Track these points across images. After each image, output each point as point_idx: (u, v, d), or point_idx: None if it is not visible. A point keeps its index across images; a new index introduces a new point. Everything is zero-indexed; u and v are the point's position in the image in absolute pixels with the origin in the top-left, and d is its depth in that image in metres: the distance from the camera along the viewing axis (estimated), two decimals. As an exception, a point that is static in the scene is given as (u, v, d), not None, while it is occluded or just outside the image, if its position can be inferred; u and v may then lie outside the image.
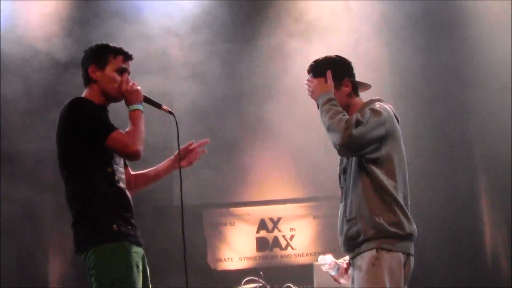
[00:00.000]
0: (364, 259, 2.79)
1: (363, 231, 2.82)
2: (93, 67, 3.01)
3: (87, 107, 2.89)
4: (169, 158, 3.26)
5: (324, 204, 7.22)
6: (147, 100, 3.08)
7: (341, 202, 3.02)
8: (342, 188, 3.05)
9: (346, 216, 2.94)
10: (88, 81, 3.03)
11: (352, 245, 2.88)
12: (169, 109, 3.11)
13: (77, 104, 2.90)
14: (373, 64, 6.36)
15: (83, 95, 3.02)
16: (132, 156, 2.86)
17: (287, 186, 7.46)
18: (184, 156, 3.23)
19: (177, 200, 7.12)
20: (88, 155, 2.85)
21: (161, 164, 3.26)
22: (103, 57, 3.01)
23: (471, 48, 6.81)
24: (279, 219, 7.51)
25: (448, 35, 6.92)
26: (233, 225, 7.57)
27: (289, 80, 6.97)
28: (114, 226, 2.78)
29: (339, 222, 3.04)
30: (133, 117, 2.93)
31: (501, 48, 6.56)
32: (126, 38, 6.07)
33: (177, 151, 3.20)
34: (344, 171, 3.02)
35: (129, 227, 2.84)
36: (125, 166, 3.11)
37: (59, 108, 2.93)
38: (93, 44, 3.09)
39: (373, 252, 2.77)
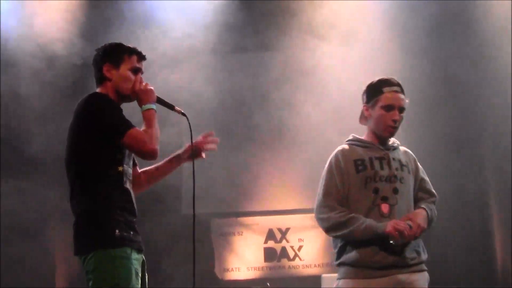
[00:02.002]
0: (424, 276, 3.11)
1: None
2: (108, 66, 2.99)
3: (106, 102, 2.87)
4: (176, 153, 3.22)
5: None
6: (160, 100, 3.06)
7: (385, 217, 3.07)
8: (390, 205, 3.10)
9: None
10: (102, 79, 3.00)
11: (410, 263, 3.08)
12: (182, 111, 3.10)
13: (96, 99, 2.88)
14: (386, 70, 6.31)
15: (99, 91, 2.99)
16: (149, 154, 2.82)
17: (296, 196, 7.42)
18: (196, 151, 3.21)
19: (185, 209, 7.17)
20: (101, 152, 2.81)
21: (167, 159, 3.22)
22: (118, 55, 3.00)
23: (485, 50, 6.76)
24: (287, 229, 7.47)
25: (459, 36, 6.86)
26: (241, 234, 7.54)
27: (299, 90, 6.97)
28: (117, 231, 2.74)
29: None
30: (147, 116, 2.91)
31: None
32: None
33: (186, 145, 3.20)
34: (396, 191, 3.11)
35: (131, 233, 2.80)
36: (134, 165, 3.08)
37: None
38: (107, 43, 3.08)
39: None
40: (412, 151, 3.33)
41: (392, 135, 3.21)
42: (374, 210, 3.08)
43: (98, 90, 3.01)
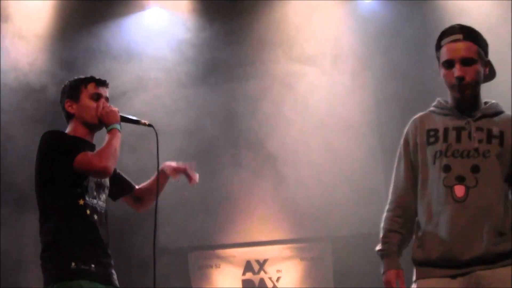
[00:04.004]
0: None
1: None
2: (69, 102, 3.07)
3: (56, 137, 2.93)
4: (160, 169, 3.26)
5: (312, 245, 7.15)
6: (125, 119, 3.12)
7: (461, 202, 2.53)
8: (466, 186, 2.54)
9: (496, 228, 2.51)
10: (68, 117, 3.08)
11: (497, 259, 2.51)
12: (147, 122, 3.15)
13: (45, 136, 2.95)
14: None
15: (65, 131, 3.05)
16: (99, 173, 2.88)
17: (273, 227, 7.40)
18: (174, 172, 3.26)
19: (163, 242, 7.11)
20: (57, 188, 2.87)
21: (153, 177, 3.28)
22: (76, 89, 3.08)
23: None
24: (265, 260, 7.43)
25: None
26: (219, 267, 7.48)
27: (279, 118, 7.03)
28: (73, 263, 2.77)
29: (464, 224, 2.54)
30: (108, 136, 2.98)
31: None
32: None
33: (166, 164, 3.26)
34: (475, 169, 2.55)
35: (92, 265, 2.82)
36: (133, 188, 3.22)
37: None
38: (67, 81, 3.16)
39: None
40: None
41: (464, 95, 2.63)
42: (445, 194, 2.56)
43: (67, 129, 3.06)
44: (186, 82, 7.08)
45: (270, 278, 7.37)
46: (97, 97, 3.07)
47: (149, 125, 3.15)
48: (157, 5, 7.24)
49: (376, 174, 6.95)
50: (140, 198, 3.28)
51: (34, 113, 6.47)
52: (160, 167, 3.24)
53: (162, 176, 3.24)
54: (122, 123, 3.07)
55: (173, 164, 3.28)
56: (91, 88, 3.07)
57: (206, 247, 7.53)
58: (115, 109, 3.06)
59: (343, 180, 6.91)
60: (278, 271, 7.36)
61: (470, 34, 2.65)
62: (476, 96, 2.68)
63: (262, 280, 7.38)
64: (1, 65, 6.43)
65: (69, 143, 2.92)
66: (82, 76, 3.14)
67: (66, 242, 2.82)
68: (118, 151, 2.97)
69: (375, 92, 7.13)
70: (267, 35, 7.09)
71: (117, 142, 2.96)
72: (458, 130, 2.62)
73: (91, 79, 3.10)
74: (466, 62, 2.60)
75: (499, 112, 2.67)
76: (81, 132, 3.03)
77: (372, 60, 7.02)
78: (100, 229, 2.94)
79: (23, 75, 6.48)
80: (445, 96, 2.76)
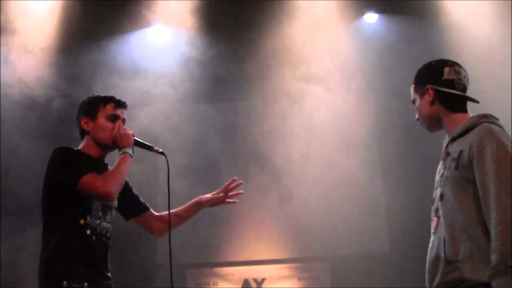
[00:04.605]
0: None
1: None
2: (85, 119, 3.06)
3: (64, 154, 2.93)
4: (196, 200, 3.35)
5: (310, 265, 7.14)
6: (139, 143, 3.12)
7: (434, 234, 2.55)
8: (437, 217, 2.55)
9: (447, 257, 2.46)
10: (82, 133, 3.08)
11: None
12: (161, 150, 3.16)
13: (55, 153, 2.94)
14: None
15: (78, 148, 3.05)
16: (102, 197, 2.88)
17: (271, 246, 7.39)
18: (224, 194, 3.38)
19: (160, 259, 7.09)
20: (62, 206, 2.87)
21: (185, 206, 3.35)
22: (94, 107, 3.07)
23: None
24: (263, 279, 7.41)
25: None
26: (217, 285, 7.45)
27: (269, 143, 7.05)
28: (65, 282, 2.76)
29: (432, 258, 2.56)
30: (118, 160, 2.98)
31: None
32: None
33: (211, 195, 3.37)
34: (441, 197, 2.52)
35: (85, 284, 2.81)
36: (144, 210, 3.24)
37: None
38: (85, 97, 3.15)
39: None
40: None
41: (427, 130, 2.74)
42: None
43: (80, 145, 3.07)
44: (190, 98, 7.12)
45: (267, 297, 7.35)
46: (114, 118, 3.06)
47: (162, 153, 3.15)
48: (161, 22, 7.29)
49: (376, 196, 6.96)
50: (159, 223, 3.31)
51: (38, 126, 6.50)
52: (195, 200, 3.34)
53: (194, 207, 3.33)
54: (135, 147, 3.08)
55: (209, 196, 3.36)
56: (109, 108, 3.07)
57: (204, 264, 7.51)
58: (130, 132, 3.06)
59: (345, 200, 6.92)
60: (276, 290, 7.34)
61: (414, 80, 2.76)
62: (439, 124, 2.69)
63: (259, 299, 7.36)
64: (6, 78, 6.46)
65: (77, 163, 2.91)
66: (102, 95, 3.13)
67: (61, 260, 2.81)
68: (125, 176, 2.97)
69: (378, 110, 7.15)
70: (272, 53, 7.14)
71: (125, 167, 2.95)
72: (444, 159, 2.60)
73: (111, 99, 3.09)
74: (414, 104, 2.74)
75: (470, 128, 2.52)
76: (94, 150, 3.03)
77: (375, 78, 7.06)
78: (97, 250, 2.93)
79: (27, 87, 6.51)
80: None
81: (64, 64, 6.88)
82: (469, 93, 2.68)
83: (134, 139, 3.08)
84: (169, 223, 3.14)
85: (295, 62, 7.11)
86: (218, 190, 3.40)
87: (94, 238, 2.92)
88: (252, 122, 7.29)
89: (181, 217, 3.33)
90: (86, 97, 3.15)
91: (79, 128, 3.10)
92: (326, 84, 6.91)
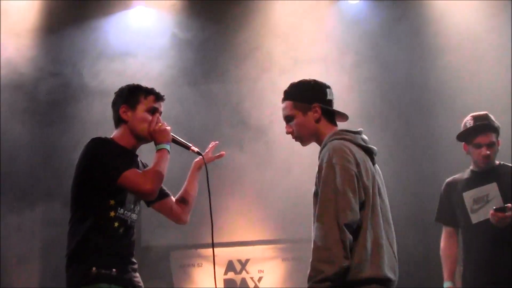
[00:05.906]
0: None
1: None
2: (124, 107, 3.05)
3: (103, 146, 2.93)
4: (192, 171, 3.42)
5: (294, 246, 7.20)
6: (176, 141, 3.14)
7: None
8: None
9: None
10: (119, 121, 3.07)
11: None
12: (197, 150, 3.20)
13: (94, 143, 2.93)
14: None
15: (112, 136, 3.05)
16: (144, 195, 2.91)
17: (256, 227, 7.45)
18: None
19: (144, 241, 7.12)
20: (94, 198, 2.89)
21: (187, 181, 3.41)
22: (134, 97, 3.06)
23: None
24: (247, 260, 7.48)
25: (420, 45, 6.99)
26: (201, 266, 7.51)
27: (257, 122, 7.05)
28: (93, 268, 2.81)
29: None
30: (157, 156, 2.98)
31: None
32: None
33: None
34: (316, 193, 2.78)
35: (114, 270, 2.86)
36: (164, 196, 3.25)
37: None
38: (125, 85, 3.13)
39: None
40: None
41: (302, 145, 3.04)
42: None
43: (114, 132, 3.07)
44: (170, 81, 7.06)
45: (251, 278, 7.42)
46: (153, 110, 3.06)
47: (198, 153, 3.20)
48: (143, 4, 7.25)
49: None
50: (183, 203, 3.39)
51: (27, 107, 6.46)
52: (191, 169, 3.42)
53: (194, 174, 3.42)
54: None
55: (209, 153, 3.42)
56: (150, 100, 3.06)
57: (188, 246, 7.56)
58: (169, 127, 3.07)
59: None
60: (260, 271, 7.41)
61: (285, 94, 2.95)
62: (317, 139, 2.93)
63: (244, 280, 7.42)
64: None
65: (117, 156, 2.91)
66: (142, 85, 3.11)
67: (89, 250, 2.86)
68: (165, 173, 2.98)
69: (365, 90, 7.16)
70: (256, 36, 7.13)
71: (165, 164, 2.96)
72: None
73: (152, 92, 3.09)
74: (288, 119, 2.93)
75: (327, 142, 2.81)
76: (128, 141, 3.03)
77: (362, 59, 7.06)
78: (125, 241, 2.98)
79: (14, 69, 6.49)
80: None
81: (50, 46, 6.84)
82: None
83: (172, 135, 3.09)
84: (212, 223, 3.37)
85: (279, 45, 7.11)
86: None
87: (121, 230, 2.96)
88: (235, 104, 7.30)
89: (190, 194, 3.42)
90: (126, 85, 3.13)
91: (115, 115, 3.07)
92: (312, 67, 6.91)
